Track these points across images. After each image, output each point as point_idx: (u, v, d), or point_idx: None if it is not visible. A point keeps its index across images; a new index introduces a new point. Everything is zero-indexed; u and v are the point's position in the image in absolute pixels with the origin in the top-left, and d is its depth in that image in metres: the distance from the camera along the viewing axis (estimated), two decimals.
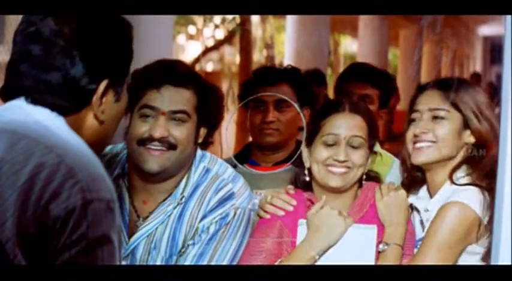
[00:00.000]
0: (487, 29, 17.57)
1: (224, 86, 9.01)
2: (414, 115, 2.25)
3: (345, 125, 2.24)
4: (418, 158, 2.22)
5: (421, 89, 2.28)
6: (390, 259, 2.15)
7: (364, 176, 2.28)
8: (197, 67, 10.99)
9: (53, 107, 1.53)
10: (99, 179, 1.44)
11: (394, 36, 12.89)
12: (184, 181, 2.23)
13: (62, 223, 1.38)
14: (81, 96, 1.55)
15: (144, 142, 2.17)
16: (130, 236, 2.23)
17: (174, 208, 2.21)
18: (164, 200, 2.23)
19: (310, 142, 2.30)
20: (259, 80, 2.91)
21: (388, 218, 2.21)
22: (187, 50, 13.60)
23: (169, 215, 2.21)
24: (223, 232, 2.17)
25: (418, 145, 2.22)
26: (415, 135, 2.22)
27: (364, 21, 11.29)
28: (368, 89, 3.14)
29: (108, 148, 2.33)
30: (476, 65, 19.37)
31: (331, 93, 4.79)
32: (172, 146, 2.17)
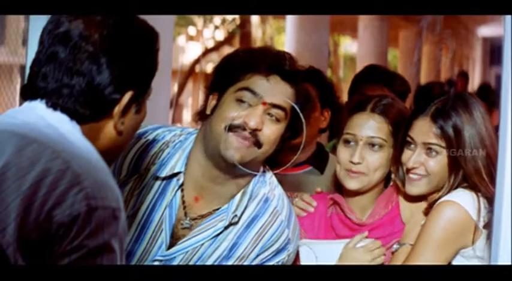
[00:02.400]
0: (487, 30, 17.57)
1: None
2: (409, 140, 2.18)
3: (363, 125, 2.21)
4: (412, 190, 2.18)
5: (415, 113, 2.19)
6: (402, 259, 2.13)
7: (393, 176, 2.24)
8: (197, 68, 10.99)
9: (72, 113, 1.50)
10: (105, 187, 1.42)
11: (393, 37, 12.89)
12: (239, 195, 2.07)
13: (65, 229, 1.37)
14: (103, 105, 1.52)
15: (234, 128, 1.98)
16: (173, 235, 2.08)
17: (226, 228, 2.05)
18: (216, 210, 2.08)
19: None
20: None
21: (407, 217, 2.21)
22: (188, 51, 13.61)
23: (218, 234, 2.06)
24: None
25: (411, 176, 2.17)
26: (408, 168, 2.17)
27: (364, 22, 11.28)
28: (385, 92, 3.13)
29: (153, 134, 2.14)
30: (476, 65, 19.37)
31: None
32: (257, 144, 2.00)
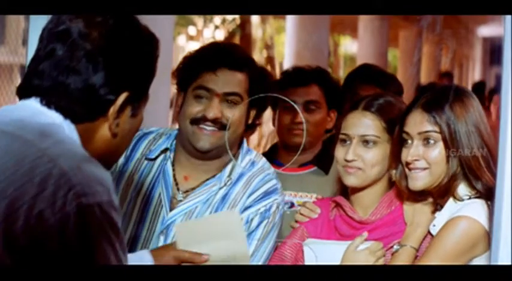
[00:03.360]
0: (487, 30, 17.57)
1: None
2: (405, 137, 2.17)
3: (356, 124, 2.23)
4: (416, 183, 2.16)
5: (409, 108, 2.19)
6: (401, 260, 2.13)
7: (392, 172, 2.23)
8: None
9: (66, 112, 1.49)
10: (94, 181, 1.39)
11: (393, 37, 12.90)
12: (230, 165, 2.31)
13: (58, 231, 1.33)
14: (97, 105, 1.51)
15: (197, 121, 2.26)
16: (170, 209, 2.30)
17: (220, 188, 2.29)
18: (208, 179, 2.31)
19: None
20: (289, 81, 2.94)
21: (410, 218, 2.21)
22: (188, 51, 13.58)
23: (214, 195, 2.28)
24: (265, 229, 2.24)
25: (412, 172, 2.15)
26: (408, 163, 2.15)
27: (364, 22, 11.29)
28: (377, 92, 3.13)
29: (148, 129, 2.42)
30: (476, 65, 19.38)
31: None
32: (224, 127, 2.26)
